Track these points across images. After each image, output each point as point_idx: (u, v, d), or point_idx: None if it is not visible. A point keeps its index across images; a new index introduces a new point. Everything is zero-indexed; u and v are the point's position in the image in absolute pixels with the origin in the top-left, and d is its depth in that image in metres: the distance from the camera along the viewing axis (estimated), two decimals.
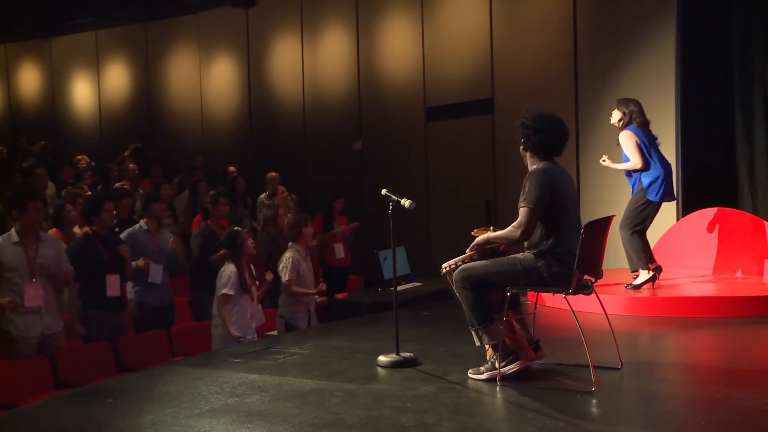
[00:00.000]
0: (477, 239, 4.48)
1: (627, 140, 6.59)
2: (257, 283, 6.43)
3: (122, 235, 6.63)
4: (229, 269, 6.15)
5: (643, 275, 6.63)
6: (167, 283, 6.81)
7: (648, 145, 6.59)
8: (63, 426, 4.01)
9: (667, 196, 6.66)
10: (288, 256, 6.84)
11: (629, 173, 6.71)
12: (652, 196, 6.55)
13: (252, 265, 6.44)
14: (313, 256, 7.85)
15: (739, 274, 7.28)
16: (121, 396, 4.42)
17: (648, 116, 8.56)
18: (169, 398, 4.28)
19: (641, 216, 6.63)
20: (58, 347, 5.63)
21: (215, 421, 3.81)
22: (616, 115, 6.74)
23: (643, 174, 6.58)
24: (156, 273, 6.63)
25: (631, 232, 6.62)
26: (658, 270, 6.66)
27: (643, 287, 6.60)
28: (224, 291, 6.04)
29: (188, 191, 10.12)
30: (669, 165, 6.70)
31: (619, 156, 6.83)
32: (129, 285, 6.65)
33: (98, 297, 6.04)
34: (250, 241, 6.32)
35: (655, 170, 6.56)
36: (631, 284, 6.65)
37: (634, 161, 6.55)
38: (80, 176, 9.84)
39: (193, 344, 6.43)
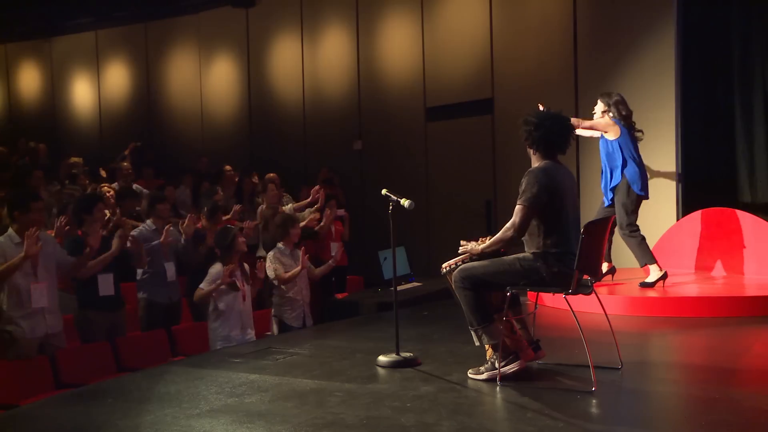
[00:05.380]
0: (471, 248, 4.47)
1: (605, 120, 6.73)
2: (250, 282, 6.41)
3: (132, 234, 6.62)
4: (216, 268, 6.15)
5: (655, 271, 6.68)
6: (175, 280, 6.80)
7: (630, 143, 6.73)
8: (63, 426, 4.00)
9: (646, 191, 6.80)
10: (270, 255, 6.88)
11: (609, 172, 6.81)
12: (636, 190, 6.69)
13: (245, 264, 6.42)
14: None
15: (739, 274, 7.28)
16: (121, 396, 4.42)
17: (648, 116, 8.62)
18: (169, 398, 4.28)
19: (632, 212, 6.75)
20: (58, 347, 5.62)
21: (215, 421, 3.81)
22: (599, 107, 6.86)
23: (625, 170, 6.70)
24: (171, 272, 6.65)
25: (630, 230, 6.70)
26: (664, 276, 6.70)
27: (656, 285, 6.67)
28: (201, 285, 6.11)
29: (190, 192, 10.11)
30: (644, 165, 6.84)
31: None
32: (140, 283, 6.62)
33: (92, 297, 6.03)
34: (241, 240, 6.33)
35: (634, 165, 6.71)
36: (644, 282, 6.69)
37: (603, 124, 6.68)
38: (73, 177, 9.82)
39: (193, 344, 6.42)
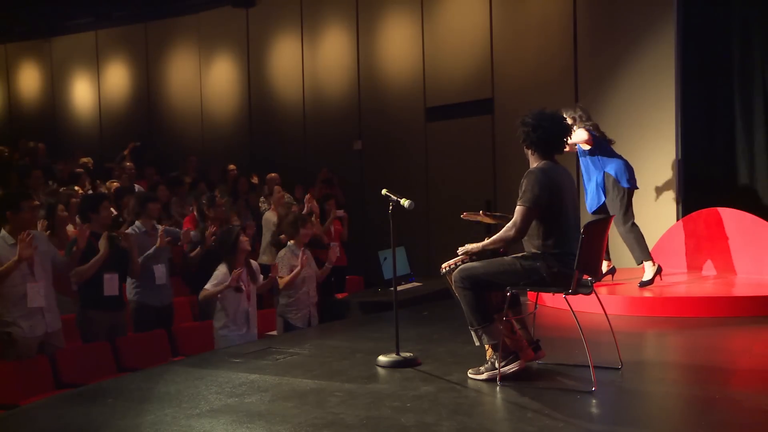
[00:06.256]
0: (472, 246, 4.48)
1: (579, 132, 6.77)
2: (255, 282, 6.40)
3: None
4: (221, 269, 6.14)
5: (649, 269, 6.72)
6: (165, 283, 6.73)
7: (604, 145, 6.83)
8: (63, 426, 4.01)
9: (634, 183, 6.85)
10: (281, 255, 6.87)
11: (590, 177, 6.90)
12: (624, 183, 6.75)
13: (252, 262, 6.42)
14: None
15: (739, 274, 7.28)
16: (121, 396, 4.42)
17: (648, 116, 8.64)
18: (169, 398, 4.28)
19: (627, 206, 6.80)
20: (58, 347, 5.62)
21: (215, 421, 3.81)
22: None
23: (606, 168, 6.78)
24: (161, 274, 6.60)
25: (627, 225, 6.76)
26: (658, 270, 6.72)
27: (654, 281, 6.70)
28: (206, 286, 6.10)
29: (186, 191, 10.09)
30: (625, 159, 6.90)
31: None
32: (129, 285, 6.60)
33: (96, 297, 6.03)
34: (244, 239, 6.31)
35: (616, 161, 6.78)
36: (642, 281, 6.72)
37: (582, 136, 6.73)
38: (76, 177, 9.80)
39: (193, 344, 6.42)
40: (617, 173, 6.73)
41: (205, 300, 6.15)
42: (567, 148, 6.56)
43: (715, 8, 8.58)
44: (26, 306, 5.43)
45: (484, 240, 4.53)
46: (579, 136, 6.72)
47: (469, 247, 4.49)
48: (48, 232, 6.48)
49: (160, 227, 6.68)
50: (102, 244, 5.98)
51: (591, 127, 6.81)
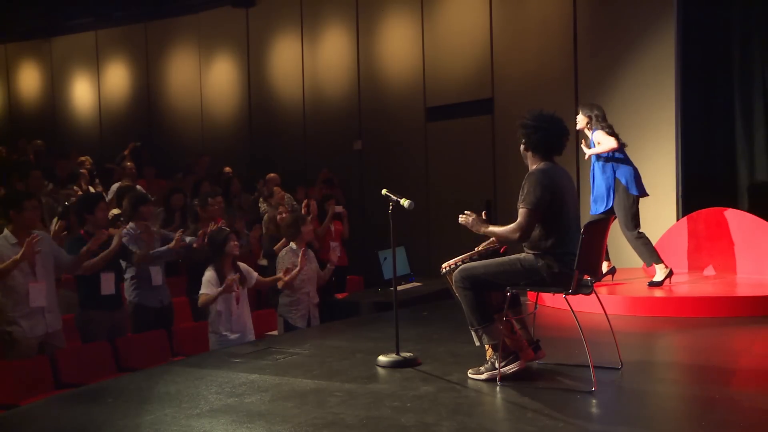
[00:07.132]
0: (472, 221, 4.44)
1: (601, 134, 6.74)
2: (244, 285, 6.33)
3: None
4: (209, 273, 6.07)
5: (661, 270, 6.73)
6: (162, 284, 6.63)
7: (618, 150, 6.79)
8: (63, 426, 4.00)
9: (642, 190, 6.85)
10: (282, 255, 6.87)
11: (600, 180, 6.88)
12: (633, 191, 6.75)
13: (240, 266, 6.36)
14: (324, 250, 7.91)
15: (739, 274, 7.28)
16: (121, 396, 4.42)
17: (648, 116, 8.65)
18: (169, 398, 4.28)
19: (635, 213, 6.80)
20: (58, 347, 5.62)
21: (215, 421, 3.81)
22: (581, 120, 6.86)
23: (617, 173, 6.77)
24: (157, 275, 6.57)
25: (635, 231, 6.75)
26: (669, 273, 6.72)
27: (663, 283, 6.70)
28: (202, 291, 6.04)
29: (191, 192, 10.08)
30: (634, 165, 6.89)
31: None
32: (128, 287, 6.59)
33: (94, 297, 6.02)
34: (233, 242, 6.24)
35: (627, 168, 6.78)
36: (652, 281, 6.74)
37: (610, 143, 6.69)
38: (75, 177, 9.79)
39: (193, 344, 6.41)
40: (627, 180, 6.72)
41: (205, 305, 6.08)
42: (587, 152, 6.56)
43: (715, 8, 8.59)
44: (27, 306, 5.43)
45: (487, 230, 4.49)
46: (607, 144, 6.67)
47: (470, 220, 4.45)
48: (65, 232, 6.47)
49: (178, 232, 6.64)
50: (115, 239, 5.99)
51: (608, 129, 6.77)
